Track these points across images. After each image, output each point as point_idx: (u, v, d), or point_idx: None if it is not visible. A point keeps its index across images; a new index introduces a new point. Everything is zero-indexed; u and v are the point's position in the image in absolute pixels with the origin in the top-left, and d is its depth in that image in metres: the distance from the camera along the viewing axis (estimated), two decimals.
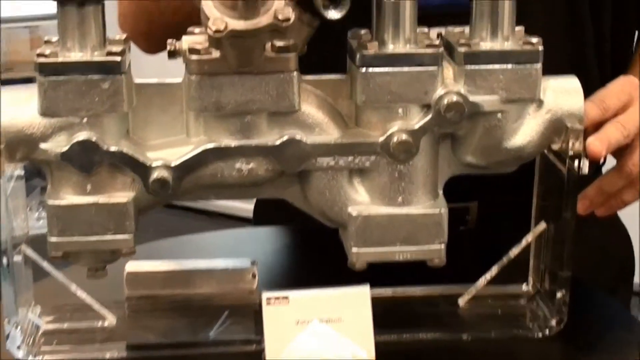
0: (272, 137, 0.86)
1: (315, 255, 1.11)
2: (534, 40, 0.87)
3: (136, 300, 0.96)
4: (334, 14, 0.86)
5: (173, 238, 1.18)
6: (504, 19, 0.87)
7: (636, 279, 1.28)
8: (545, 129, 0.90)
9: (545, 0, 1.08)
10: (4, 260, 0.88)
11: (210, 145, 0.86)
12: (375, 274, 0.89)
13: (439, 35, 0.91)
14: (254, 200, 1.28)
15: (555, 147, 0.91)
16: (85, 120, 0.84)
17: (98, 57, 0.84)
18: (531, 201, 0.98)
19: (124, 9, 1.14)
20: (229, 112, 0.85)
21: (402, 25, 0.86)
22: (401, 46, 0.86)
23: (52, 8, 0.83)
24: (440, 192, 0.91)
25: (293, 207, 0.92)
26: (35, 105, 0.84)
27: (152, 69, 1.03)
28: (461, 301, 0.98)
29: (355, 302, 0.87)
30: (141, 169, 0.85)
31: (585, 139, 0.89)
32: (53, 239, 0.87)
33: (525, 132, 0.89)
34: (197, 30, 0.87)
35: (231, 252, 1.06)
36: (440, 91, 0.86)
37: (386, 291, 0.99)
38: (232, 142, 0.86)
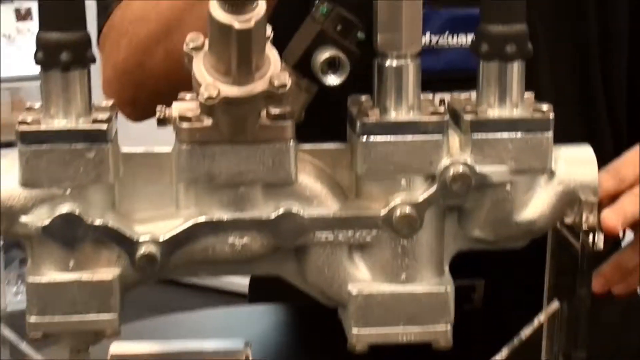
0: (267, 210, 0.86)
1: (313, 336, 1.11)
2: (545, 107, 0.87)
3: None
4: (333, 80, 0.87)
5: (161, 317, 1.17)
6: (512, 85, 0.87)
7: None
8: (557, 201, 0.89)
9: (556, 67, 1.08)
10: None
11: (202, 219, 0.85)
12: (377, 356, 0.88)
13: (444, 101, 0.91)
14: (249, 275, 1.27)
15: (568, 220, 0.90)
16: (68, 191, 0.83)
17: (83, 124, 0.83)
18: (543, 279, 0.97)
19: (108, 74, 1.14)
20: (221, 183, 0.85)
21: (405, 91, 0.86)
22: (404, 113, 0.86)
23: (34, 69, 0.83)
24: (446, 268, 0.90)
25: (291, 284, 0.91)
26: (15, 175, 0.84)
27: (140, 137, 1.03)
28: None
29: None
30: (127, 244, 0.84)
31: (600, 211, 0.89)
32: (32, 319, 0.85)
33: (536, 204, 0.89)
34: (188, 96, 0.86)
35: (223, 332, 1.05)
36: (445, 161, 0.86)
37: None
38: (225, 215, 0.85)
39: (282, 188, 0.86)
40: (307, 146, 0.88)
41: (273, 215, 0.86)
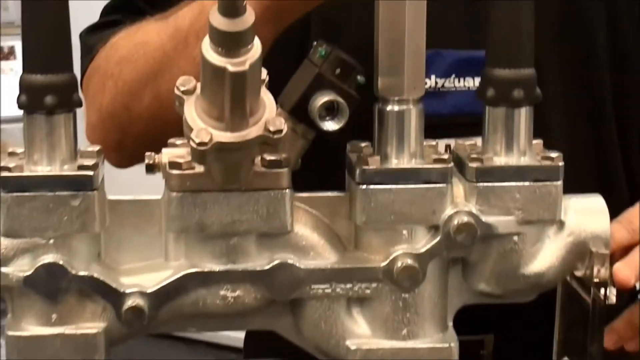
0: (261, 261, 0.85)
1: None
2: (554, 155, 0.87)
3: None
4: (331, 125, 0.87)
5: None
6: (520, 131, 0.87)
7: None
8: (567, 253, 0.89)
9: (567, 111, 1.08)
10: None
11: (192, 270, 0.85)
12: None
13: (448, 148, 0.91)
14: (243, 330, 1.27)
15: (579, 273, 0.90)
16: (52, 241, 0.83)
17: (68, 171, 0.83)
18: (552, 334, 0.96)
19: (92, 118, 1.13)
20: (213, 233, 0.84)
21: (407, 137, 0.86)
22: (406, 161, 0.86)
23: (17, 110, 0.83)
24: (450, 323, 0.90)
25: (287, 339, 0.91)
26: None
27: (127, 184, 1.03)
28: None
29: None
30: (113, 296, 0.84)
31: (612, 264, 0.89)
32: None
33: (544, 257, 0.88)
34: (178, 141, 0.86)
35: None
36: (449, 211, 0.86)
37: None
38: (217, 267, 0.85)
39: (277, 238, 0.85)
40: (304, 195, 0.88)
41: (267, 267, 0.85)
